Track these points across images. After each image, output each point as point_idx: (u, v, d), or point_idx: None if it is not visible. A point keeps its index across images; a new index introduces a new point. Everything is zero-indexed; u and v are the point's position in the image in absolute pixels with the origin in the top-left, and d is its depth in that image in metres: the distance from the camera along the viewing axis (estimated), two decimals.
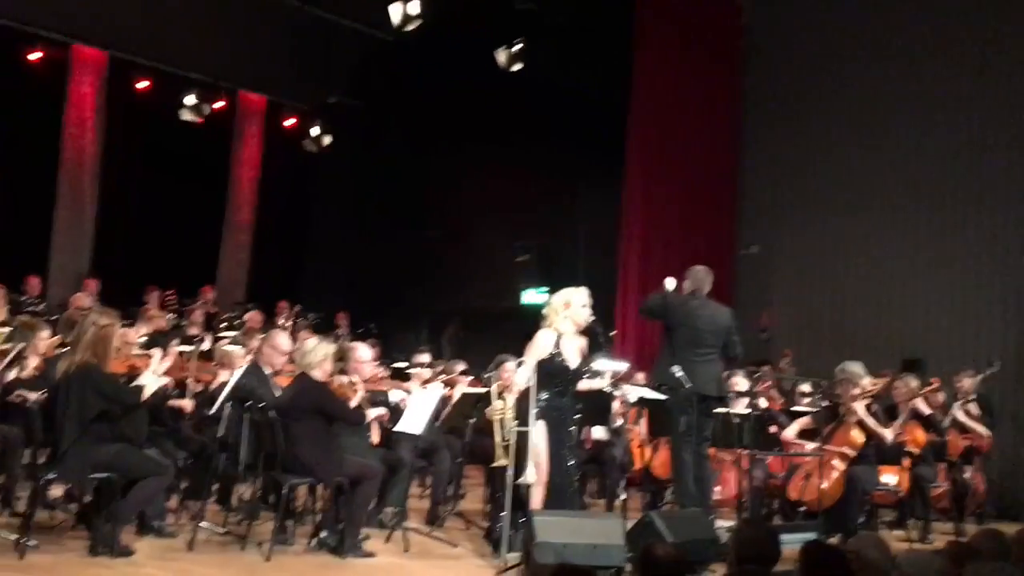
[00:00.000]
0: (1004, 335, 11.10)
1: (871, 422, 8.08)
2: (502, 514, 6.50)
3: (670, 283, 7.85)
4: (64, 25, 13.95)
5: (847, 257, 12.47)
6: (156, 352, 6.76)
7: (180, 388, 7.21)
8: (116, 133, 14.62)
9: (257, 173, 16.65)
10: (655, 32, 13.65)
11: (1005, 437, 10.63)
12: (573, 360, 6.80)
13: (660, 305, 7.84)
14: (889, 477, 8.32)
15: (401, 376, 9.19)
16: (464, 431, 7.97)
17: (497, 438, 6.60)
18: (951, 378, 9.76)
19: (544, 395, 6.65)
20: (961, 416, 9.36)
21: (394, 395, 7.79)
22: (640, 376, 9.95)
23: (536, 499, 6.57)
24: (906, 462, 8.48)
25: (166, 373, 6.74)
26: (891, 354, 11.61)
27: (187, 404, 7.08)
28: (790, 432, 8.51)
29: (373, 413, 7.25)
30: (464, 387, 8.68)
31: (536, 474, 6.48)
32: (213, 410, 7.04)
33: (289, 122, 16.80)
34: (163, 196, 14.53)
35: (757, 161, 13.56)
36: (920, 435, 8.68)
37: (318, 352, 6.69)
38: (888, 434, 8.20)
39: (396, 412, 7.61)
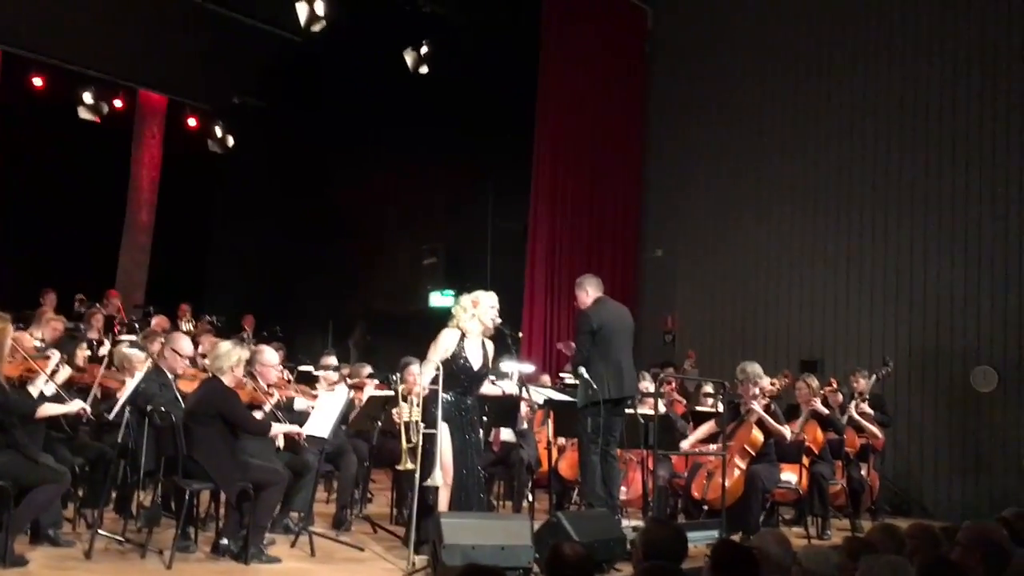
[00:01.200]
0: (896, 337, 11.47)
1: (770, 420, 8.25)
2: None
3: (564, 347, 8.08)
4: None
5: (748, 261, 12.73)
6: (54, 354, 6.56)
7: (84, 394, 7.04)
8: (11, 131, 14.15)
9: (158, 174, 16.34)
10: (561, 36, 13.76)
11: (899, 436, 10.97)
12: (476, 361, 6.82)
13: (588, 342, 7.64)
14: (789, 475, 8.51)
15: (307, 380, 9.09)
16: (371, 434, 7.92)
17: (403, 442, 6.55)
18: (847, 378, 10.05)
19: (447, 396, 6.65)
20: (857, 416, 9.62)
21: (300, 403, 7.67)
22: (546, 378, 10.01)
23: (442, 501, 6.57)
24: (805, 460, 8.69)
25: (71, 380, 6.57)
26: (790, 355, 11.92)
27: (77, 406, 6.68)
28: (685, 444, 8.61)
29: (284, 429, 7.02)
30: (371, 390, 8.62)
31: (442, 476, 6.48)
32: (112, 415, 6.87)
33: (191, 122, 16.51)
34: (60, 196, 14.13)
35: (661, 166, 13.77)
36: (819, 434, 8.91)
37: (231, 356, 6.57)
38: (787, 432, 8.39)
39: (302, 421, 7.49)
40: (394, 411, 7.46)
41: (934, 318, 11.26)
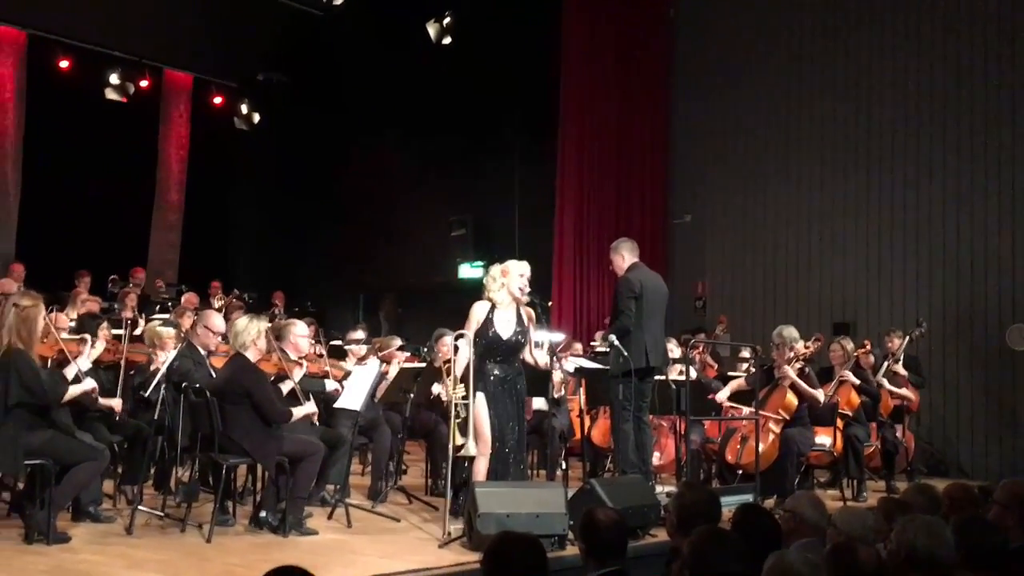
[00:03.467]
0: (930, 297, 11.36)
1: (803, 384, 8.21)
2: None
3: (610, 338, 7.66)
4: None
5: (777, 225, 12.64)
6: (88, 338, 6.62)
7: (115, 371, 7.13)
8: (39, 114, 14.27)
9: (186, 152, 16.38)
10: (584, 3, 13.64)
11: (934, 396, 10.90)
12: (505, 331, 6.81)
13: (632, 307, 7.50)
14: (823, 438, 8.48)
15: (338, 354, 9.13)
16: (404, 406, 7.96)
17: (452, 418, 6.54)
18: (881, 339, 9.98)
19: (482, 366, 6.66)
20: (888, 384, 9.48)
21: (329, 384, 7.66)
22: (578, 346, 10.01)
23: (479, 470, 6.60)
24: (839, 423, 8.66)
25: (99, 358, 6.64)
26: (822, 318, 11.85)
27: (116, 404, 6.89)
28: (723, 395, 8.60)
29: (302, 412, 6.90)
30: (402, 362, 8.64)
31: (478, 446, 6.50)
32: (148, 392, 6.94)
33: (217, 100, 16.55)
34: (90, 177, 14.23)
35: (688, 131, 13.65)
36: (854, 397, 8.86)
37: (251, 330, 6.58)
38: (821, 395, 8.34)
39: (329, 402, 7.52)
40: (437, 387, 7.44)
41: (968, 277, 11.14)
